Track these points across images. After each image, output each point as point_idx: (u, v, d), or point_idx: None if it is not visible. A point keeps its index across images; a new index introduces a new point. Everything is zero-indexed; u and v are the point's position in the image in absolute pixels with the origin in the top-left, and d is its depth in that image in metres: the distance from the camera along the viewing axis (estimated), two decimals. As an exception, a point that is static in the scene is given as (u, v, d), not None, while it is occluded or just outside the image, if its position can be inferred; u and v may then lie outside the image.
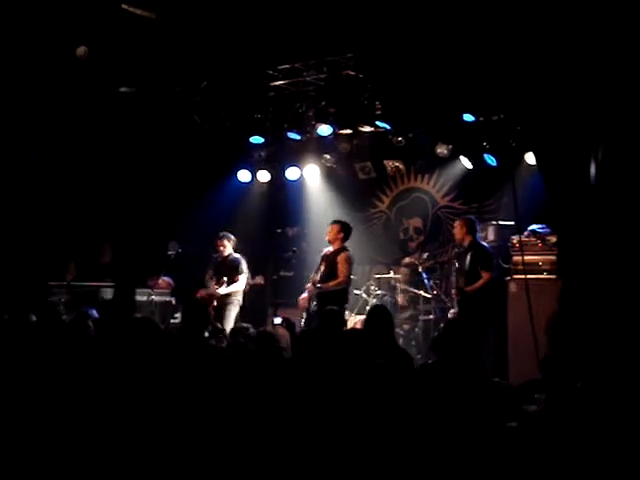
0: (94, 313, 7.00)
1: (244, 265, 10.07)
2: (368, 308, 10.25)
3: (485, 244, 9.06)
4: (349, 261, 9.26)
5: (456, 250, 10.43)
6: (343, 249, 9.28)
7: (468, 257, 8.80)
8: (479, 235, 9.09)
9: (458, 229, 9.06)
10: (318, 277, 9.23)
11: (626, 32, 6.35)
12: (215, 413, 4.23)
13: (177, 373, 4.72)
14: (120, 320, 6.06)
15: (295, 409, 4.19)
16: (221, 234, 10.24)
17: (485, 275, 8.62)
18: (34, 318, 7.07)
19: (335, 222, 9.48)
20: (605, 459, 3.72)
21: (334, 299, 8.78)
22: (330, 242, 9.35)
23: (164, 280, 10.84)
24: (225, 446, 4.05)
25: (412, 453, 3.85)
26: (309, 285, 9.23)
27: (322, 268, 9.27)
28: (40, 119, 10.52)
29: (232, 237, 10.28)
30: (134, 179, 11.70)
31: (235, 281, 9.89)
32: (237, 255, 10.15)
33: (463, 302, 8.70)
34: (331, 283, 9.07)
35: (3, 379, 5.01)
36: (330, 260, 9.22)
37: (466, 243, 8.94)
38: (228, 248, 10.13)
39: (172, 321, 9.96)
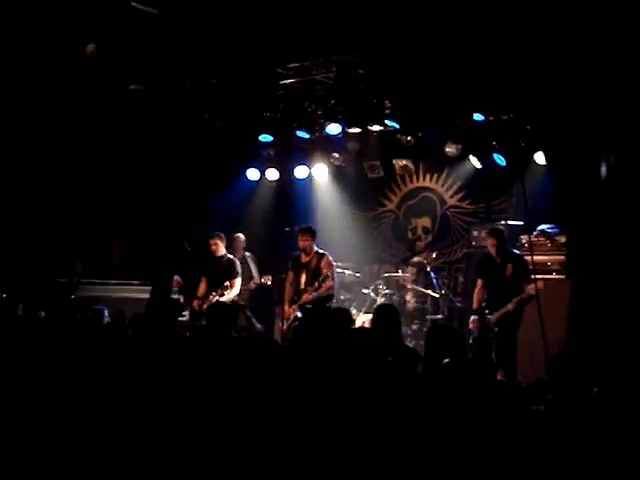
0: (105, 312, 7.02)
1: (239, 267, 10.01)
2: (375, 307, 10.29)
3: None
4: (333, 264, 9.43)
5: (465, 251, 10.45)
6: (323, 254, 9.34)
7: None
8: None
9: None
10: (302, 285, 9.26)
11: (636, 33, 6.33)
12: (220, 412, 4.23)
13: (185, 371, 4.73)
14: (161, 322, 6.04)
15: (301, 407, 4.18)
16: (213, 233, 10.09)
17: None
18: (43, 315, 7.10)
19: (305, 231, 9.44)
20: (611, 460, 3.70)
21: (324, 304, 8.90)
22: (305, 250, 9.33)
23: (173, 278, 10.84)
24: (231, 444, 4.05)
25: (416, 452, 3.84)
26: (306, 295, 9.17)
27: (303, 276, 9.29)
28: (49, 117, 10.55)
29: (224, 236, 10.17)
30: (143, 177, 11.71)
31: (232, 286, 9.80)
32: (231, 256, 10.07)
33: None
34: (324, 289, 9.08)
35: (13, 376, 5.01)
36: (312, 267, 9.25)
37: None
38: (221, 247, 10.03)
39: (180, 319, 9.96)
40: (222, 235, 10.09)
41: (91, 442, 4.20)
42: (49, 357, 5.19)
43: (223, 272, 9.83)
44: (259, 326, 8.93)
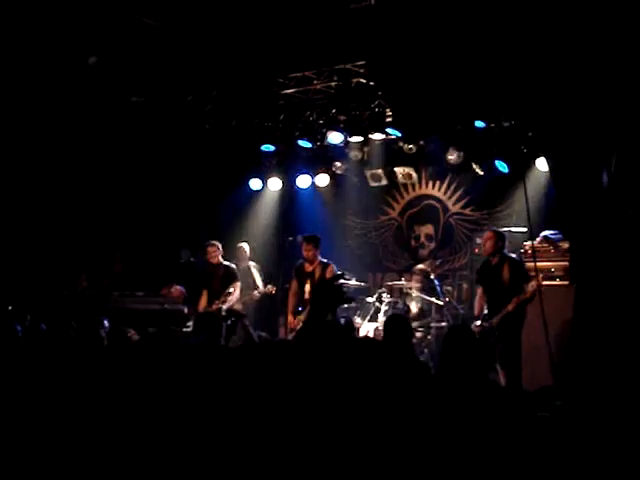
0: (106, 323, 7.01)
1: (236, 272, 10.00)
2: (380, 316, 10.28)
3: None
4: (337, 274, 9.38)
5: (469, 258, 10.45)
6: (327, 263, 9.34)
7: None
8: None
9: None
10: (307, 295, 9.25)
11: (638, 40, 6.34)
12: (224, 421, 4.22)
13: (188, 380, 4.72)
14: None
15: (306, 416, 4.17)
16: (211, 242, 10.09)
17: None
18: (45, 327, 7.10)
19: (309, 240, 9.40)
20: (618, 465, 3.70)
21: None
22: (309, 259, 9.31)
23: (176, 289, 10.86)
24: (235, 451, 4.04)
25: (421, 459, 3.84)
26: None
27: (307, 286, 9.29)
28: (52, 130, 10.58)
29: (220, 245, 10.16)
30: (146, 188, 11.74)
31: (231, 292, 9.81)
32: (227, 262, 10.07)
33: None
34: None
35: (15, 388, 5.02)
36: (316, 276, 9.26)
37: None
38: (218, 255, 10.01)
39: (184, 330, 9.96)
40: (218, 243, 10.09)
41: (91, 450, 4.20)
42: (50, 369, 5.19)
43: (221, 280, 9.85)
44: (258, 334, 8.91)
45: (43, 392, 4.80)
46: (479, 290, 8.79)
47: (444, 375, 5.07)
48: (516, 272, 8.37)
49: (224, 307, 9.55)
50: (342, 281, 10.41)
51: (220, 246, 10.06)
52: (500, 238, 8.59)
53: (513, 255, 8.65)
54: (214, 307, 9.59)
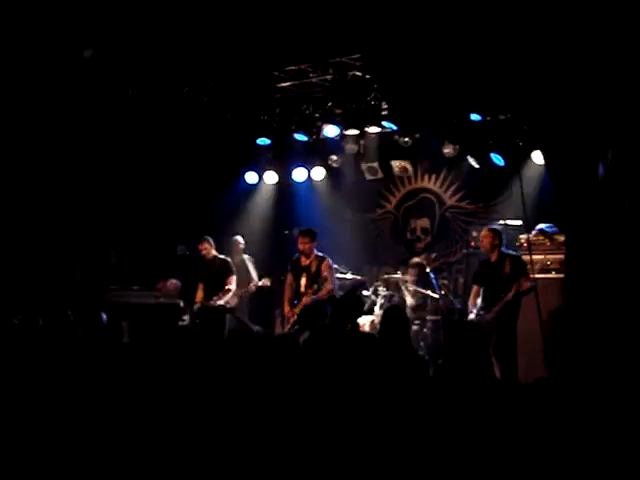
0: (103, 316, 7.01)
1: (232, 265, 10.01)
2: (376, 309, 10.28)
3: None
4: (332, 268, 9.35)
5: (465, 251, 10.44)
6: (323, 257, 9.28)
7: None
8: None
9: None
10: (302, 289, 9.23)
11: (635, 32, 6.35)
12: (223, 415, 4.23)
13: (185, 375, 4.72)
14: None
15: (306, 412, 4.18)
16: (202, 238, 10.08)
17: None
18: (42, 322, 7.09)
19: (305, 233, 9.31)
20: (614, 457, 3.71)
21: (325, 308, 8.83)
22: (305, 252, 9.28)
23: (172, 282, 10.85)
24: (231, 450, 4.04)
25: (418, 453, 3.84)
26: (306, 298, 9.12)
27: (303, 279, 9.25)
28: (47, 123, 10.56)
29: (211, 239, 10.14)
30: (141, 181, 11.72)
31: (230, 285, 9.81)
32: (222, 256, 10.08)
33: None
34: (324, 292, 9.02)
35: (11, 383, 5.02)
36: (312, 270, 9.19)
37: None
38: (211, 250, 10.02)
39: (180, 323, 9.96)
40: (209, 238, 10.09)
41: (88, 448, 4.20)
42: (47, 363, 5.20)
43: (217, 274, 9.86)
44: (257, 328, 8.89)
45: (41, 386, 4.81)
46: (474, 289, 8.75)
47: (441, 369, 5.08)
48: (516, 267, 8.34)
49: (218, 303, 9.57)
50: (340, 275, 10.45)
51: (212, 241, 10.07)
52: (497, 235, 8.57)
53: (512, 252, 8.63)
54: (213, 302, 9.61)
